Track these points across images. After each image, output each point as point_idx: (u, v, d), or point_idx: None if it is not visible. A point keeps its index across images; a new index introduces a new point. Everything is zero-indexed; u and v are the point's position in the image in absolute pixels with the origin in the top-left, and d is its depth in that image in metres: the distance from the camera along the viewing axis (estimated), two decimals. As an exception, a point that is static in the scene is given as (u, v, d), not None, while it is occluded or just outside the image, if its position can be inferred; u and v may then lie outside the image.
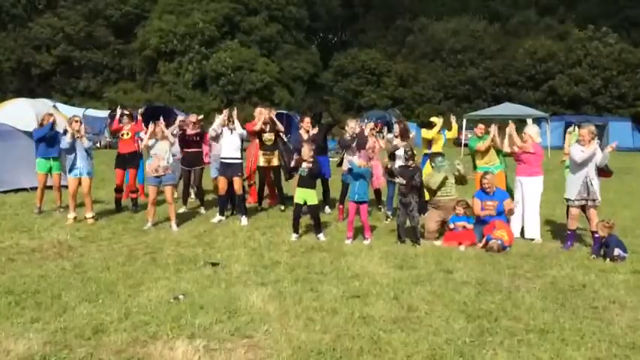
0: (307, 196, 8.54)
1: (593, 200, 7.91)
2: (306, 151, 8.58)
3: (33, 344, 4.52)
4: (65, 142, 9.22)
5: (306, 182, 8.57)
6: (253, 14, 46.49)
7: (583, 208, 8.07)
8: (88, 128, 10.66)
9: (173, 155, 9.79)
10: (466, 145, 26.61)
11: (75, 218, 9.41)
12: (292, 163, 8.95)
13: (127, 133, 10.64)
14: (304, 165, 8.49)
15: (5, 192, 12.06)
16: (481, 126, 9.98)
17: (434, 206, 8.79)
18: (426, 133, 10.46)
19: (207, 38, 43.81)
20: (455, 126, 11.13)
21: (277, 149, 10.69)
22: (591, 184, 7.88)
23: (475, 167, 9.88)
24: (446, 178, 8.67)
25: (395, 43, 52.42)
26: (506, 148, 9.15)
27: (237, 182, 9.67)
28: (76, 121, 9.39)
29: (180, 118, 11.70)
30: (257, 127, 10.39)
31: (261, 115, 10.42)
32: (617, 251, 7.42)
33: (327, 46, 56.34)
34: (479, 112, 31.59)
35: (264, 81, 43.39)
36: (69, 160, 9.43)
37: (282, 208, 10.84)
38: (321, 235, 8.55)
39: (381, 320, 5.16)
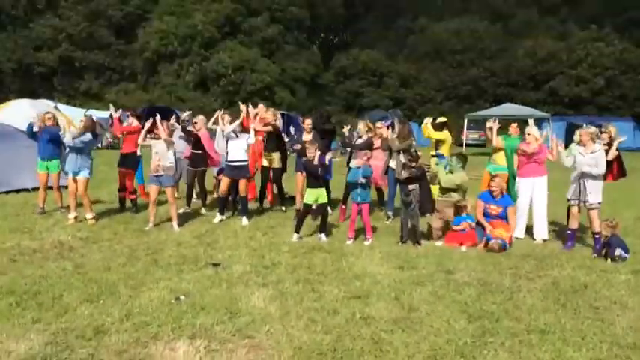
0: (319, 194, 8.54)
1: (584, 202, 7.90)
2: (312, 150, 8.60)
3: (34, 345, 4.53)
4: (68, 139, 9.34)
5: (315, 182, 8.59)
6: (254, 15, 46.49)
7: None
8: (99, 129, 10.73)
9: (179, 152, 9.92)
10: (467, 145, 26.68)
11: (76, 218, 9.41)
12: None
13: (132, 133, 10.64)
14: (329, 155, 8.70)
15: (7, 192, 12.07)
16: (514, 125, 9.87)
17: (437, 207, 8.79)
18: (434, 135, 10.41)
19: (207, 40, 43.79)
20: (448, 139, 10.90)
21: (278, 150, 10.69)
22: (584, 187, 7.87)
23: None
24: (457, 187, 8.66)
25: (396, 44, 52.39)
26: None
27: (242, 183, 9.66)
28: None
29: (183, 116, 11.72)
30: (257, 127, 10.41)
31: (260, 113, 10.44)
32: (618, 251, 7.42)
33: (329, 46, 56.31)
34: (480, 113, 31.55)
35: (265, 81, 43.38)
36: (68, 160, 9.44)
37: (283, 209, 10.84)
38: (323, 235, 8.55)
39: (382, 320, 5.16)
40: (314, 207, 8.71)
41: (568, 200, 8.17)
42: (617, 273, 6.84)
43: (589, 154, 7.87)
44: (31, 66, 45.25)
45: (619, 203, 11.61)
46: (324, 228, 8.67)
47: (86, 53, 46.05)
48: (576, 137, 8.97)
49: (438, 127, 10.52)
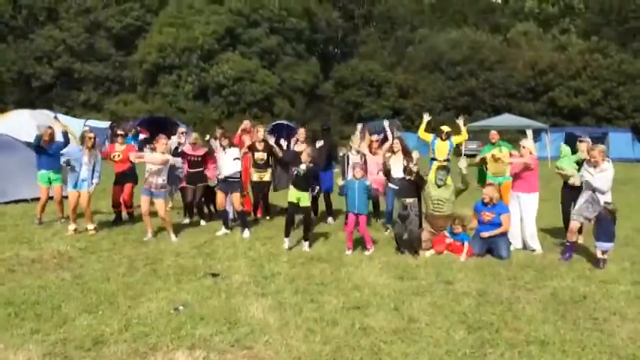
0: (301, 196, 8.54)
1: (589, 220, 7.97)
2: (305, 155, 8.62)
3: (33, 355, 4.52)
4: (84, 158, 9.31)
5: (301, 184, 8.58)
6: (254, 26, 46.66)
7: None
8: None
9: (175, 167, 9.94)
10: (466, 155, 26.68)
11: (75, 230, 9.41)
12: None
13: (119, 155, 10.53)
14: (302, 166, 8.50)
15: (6, 203, 12.08)
16: (494, 132, 10.15)
17: (426, 219, 8.83)
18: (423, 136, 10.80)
19: (207, 52, 43.95)
20: (464, 131, 11.09)
21: (270, 167, 10.74)
22: (597, 204, 7.85)
23: (485, 178, 9.94)
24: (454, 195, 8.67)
25: (395, 55, 52.52)
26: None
27: (235, 198, 9.60)
28: (90, 137, 9.55)
29: (180, 129, 11.66)
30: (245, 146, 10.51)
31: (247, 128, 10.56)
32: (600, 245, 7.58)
33: (328, 57, 56.38)
34: (479, 123, 31.56)
35: (265, 92, 43.52)
36: (71, 173, 9.43)
37: (268, 217, 11.01)
38: (306, 244, 8.56)
39: (381, 331, 5.15)
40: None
41: (578, 216, 8.13)
42: (616, 284, 6.84)
43: (598, 174, 7.87)
44: (30, 77, 45.38)
45: (618, 214, 11.58)
46: (307, 235, 8.66)
47: (85, 64, 46.22)
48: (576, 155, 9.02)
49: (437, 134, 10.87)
